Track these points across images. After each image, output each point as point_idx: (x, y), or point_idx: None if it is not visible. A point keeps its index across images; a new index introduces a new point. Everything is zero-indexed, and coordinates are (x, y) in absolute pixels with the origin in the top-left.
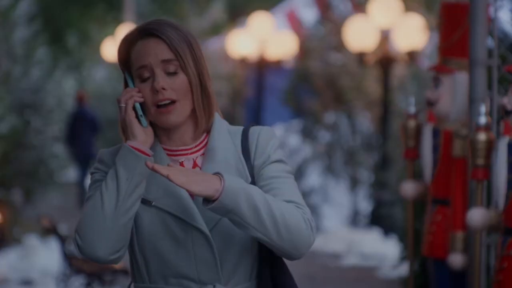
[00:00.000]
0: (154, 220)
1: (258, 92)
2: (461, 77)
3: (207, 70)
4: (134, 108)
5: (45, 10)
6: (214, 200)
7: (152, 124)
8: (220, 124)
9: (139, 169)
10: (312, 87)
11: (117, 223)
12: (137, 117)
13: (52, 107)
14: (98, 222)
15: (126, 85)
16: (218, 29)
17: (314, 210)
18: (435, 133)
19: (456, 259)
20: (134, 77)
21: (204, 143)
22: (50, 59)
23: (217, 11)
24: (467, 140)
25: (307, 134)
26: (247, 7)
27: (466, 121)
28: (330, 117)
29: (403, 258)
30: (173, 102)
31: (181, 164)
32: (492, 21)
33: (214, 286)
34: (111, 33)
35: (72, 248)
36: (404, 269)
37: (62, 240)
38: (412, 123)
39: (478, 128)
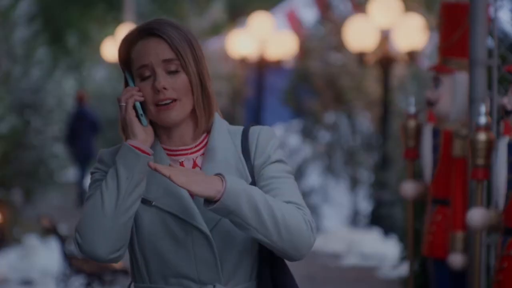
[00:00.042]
0: (154, 220)
1: (258, 92)
2: (461, 77)
3: (207, 70)
4: (134, 107)
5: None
6: (215, 201)
7: (152, 123)
8: (220, 124)
9: (139, 168)
10: (312, 87)
11: (117, 222)
12: (137, 116)
13: (52, 107)
14: (98, 221)
15: (126, 84)
16: (218, 29)
17: (314, 210)
18: (435, 133)
19: (456, 259)
20: (134, 76)
21: (204, 143)
22: (50, 59)
23: (217, 11)
24: (467, 140)
25: (307, 134)
26: (247, 7)
27: (466, 121)
28: (330, 117)
29: (403, 258)
30: (173, 100)
31: (181, 164)
32: (492, 21)
33: (214, 286)
34: (111, 33)
35: (72, 248)
36: (404, 269)
37: (62, 240)
38: (412, 123)
39: (478, 128)
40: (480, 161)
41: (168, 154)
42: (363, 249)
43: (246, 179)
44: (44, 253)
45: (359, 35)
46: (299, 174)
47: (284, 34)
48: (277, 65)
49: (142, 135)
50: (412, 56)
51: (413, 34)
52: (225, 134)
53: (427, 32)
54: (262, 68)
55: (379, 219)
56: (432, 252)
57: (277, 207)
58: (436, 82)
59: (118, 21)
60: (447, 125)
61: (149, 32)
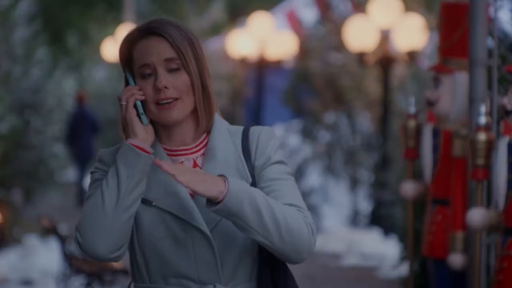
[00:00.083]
0: (155, 220)
1: (258, 92)
2: (461, 77)
3: (207, 70)
4: (135, 106)
5: (45, 10)
6: (217, 202)
7: (152, 123)
8: (220, 124)
9: (140, 167)
10: (312, 87)
11: (118, 221)
12: (138, 115)
13: (52, 107)
14: (98, 220)
15: (127, 84)
16: (218, 29)
17: (314, 210)
18: (435, 133)
19: (456, 259)
20: (135, 75)
21: (204, 143)
22: (50, 59)
23: (217, 11)
24: (467, 140)
25: (307, 134)
26: (247, 7)
27: (466, 121)
28: (330, 117)
29: (403, 258)
30: (175, 100)
31: (181, 164)
32: (492, 21)
33: (214, 286)
34: (111, 33)
35: (72, 248)
36: (404, 269)
37: (62, 240)
38: (412, 123)
39: (478, 128)
40: (480, 161)
41: (168, 154)
42: (363, 249)
43: (246, 179)
44: (44, 253)
45: (359, 35)
46: (299, 174)
47: (284, 34)
48: (277, 65)
49: (143, 134)
50: (412, 56)
51: (413, 34)
52: (225, 134)
53: (427, 32)
54: (262, 68)
55: (379, 219)
56: (432, 252)
57: (278, 209)
58: (436, 82)
59: (118, 21)
60: (447, 125)
61: (150, 31)
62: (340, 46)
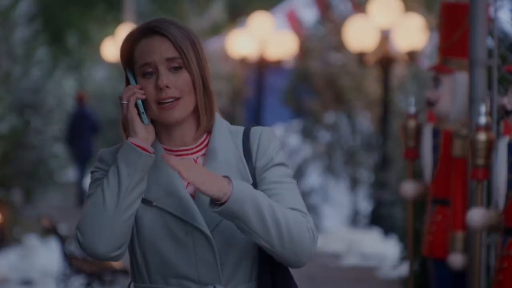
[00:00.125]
0: (155, 220)
1: (258, 92)
2: (461, 77)
3: (208, 70)
4: (136, 105)
5: (45, 10)
6: (220, 204)
7: (152, 123)
8: (221, 124)
9: (140, 166)
10: (312, 87)
11: (118, 220)
12: (138, 114)
13: (52, 107)
14: (99, 218)
15: (127, 83)
16: (218, 29)
17: (314, 210)
18: (435, 133)
19: (456, 259)
20: (136, 74)
21: (205, 143)
22: (50, 59)
23: (217, 11)
24: (467, 140)
25: (307, 134)
26: (247, 7)
27: (466, 121)
28: (330, 117)
29: (403, 258)
30: (176, 99)
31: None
32: (492, 21)
33: (214, 286)
34: (111, 33)
35: (72, 248)
36: (404, 269)
37: (62, 240)
38: (412, 123)
39: (478, 128)
40: (480, 161)
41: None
42: (363, 249)
43: (247, 180)
44: (44, 253)
45: (359, 35)
46: (299, 174)
47: (284, 34)
48: (277, 65)
49: (144, 133)
50: (412, 56)
51: (413, 34)
52: (226, 134)
53: (427, 32)
54: (262, 68)
55: (379, 219)
56: (432, 252)
57: (281, 214)
58: (436, 82)
59: (118, 21)
60: (447, 125)
61: (152, 31)
62: (340, 46)
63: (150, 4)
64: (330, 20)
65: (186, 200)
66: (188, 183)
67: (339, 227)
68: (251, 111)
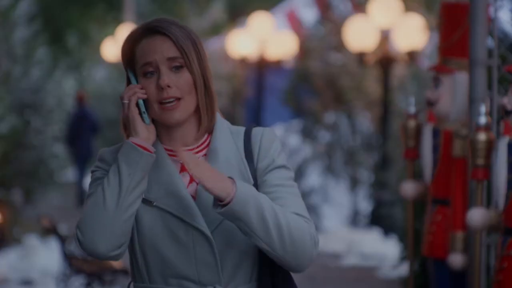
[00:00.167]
0: (155, 220)
1: (258, 92)
2: (461, 77)
3: (210, 70)
4: (137, 105)
5: (45, 10)
6: (223, 205)
7: (153, 123)
8: (222, 124)
9: (141, 165)
10: (312, 87)
11: (119, 219)
12: (140, 114)
13: (52, 107)
14: (99, 217)
15: (128, 83)
16: (218, 29)
17: (314, 210)
18: (435, 133)
19: (456, 259)
20: (137, 74)
21: (206, 143)
22: (50, 59)
23: (217, 11)
24: (467, 140)
25: (307, 134)
26: (247, 7)
27: (466, 121)
28: (330, 117)
29: (403, 258)
30: (177, 99)
31: (182, 165)
32: (492, 21)
33: (214, 287)
34: (111, 33)
35: (72, 248)
36: (404, 269)
37: (62, 240)
38: (412, 123)
39: (478, 128)
40: (480, 161)
41: (169, 155)
42: (363, 249)
43: (248, 181)
44: (44, 253)
45: (359, 35)
46: (299, 174)
47: (284, 34)
48: (277, 65)
49: (145, 133)
50: (412, 56)
51: (413, 34)
52: (227, 135)
53: (427, 32)
54: (262, 68)
55: (379, 219)
56: (432, 252)
57: (283, 218)
58: (436, 82)
59: (118, 21)
60: (447, 125)
61: (153, 30)
62: (340, 46)
63: (150, 4)
64: (330, 20)
65: (187, 200)
66: (189, 184)
67: (339, 227)
68: (251, 111)
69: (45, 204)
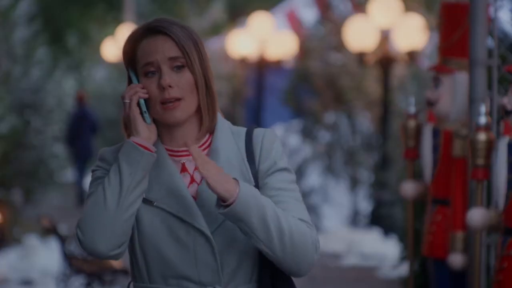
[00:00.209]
0: (156, 220)
1: (258, 92)
2: (461, 77)
3: (211, 70)
4: (138, 105)
5: (45, 10)
6: (226, 205)
7: (155, 123)
8: (223, 124)
9: (142, 165)
10: (312, 87)
11: (119, 218)
12: (141, 113)
13: (52, 107)
14: (100, 216)
15: (130, 83)
16: (218, 29)
17: (314, 210)
18: (435, 133)
19: (456, 259)
20: (139, 74)
21: (207, 143)
22: (50, 59)
23: (217, 11)
24: (467, 140)
25: (307, 134)
26: (247, 7)
27: (466, 121)
28: (330, 117)
29: (403, 258)
30: (178, 100)
31: (183, 165)
32: (492, 21)
33: (214, 287)
34: (111, 33)
35: (72, 248)
36: (404, 269)
37: (62, 240)
38: (412, 123)
39: (478, 128)
40: (480, 161)
41: (170, 155)
42: (363, 249)
43: (249, 182)
44: (44, 253)
45: (359, 35)
46: (299, 174)
47: (284, 34)
48: (277, 65)
49: (146, 132)
50: (412, 56)
51: (413, 34)
52: (228, 135)
53: (427, 32)
54: (262, 68)
55: (379, 219)
56: (432, 252)
57: (286, 222)
58: (436, 82)
59: (118, 21)
60: (447, 125)
61: (155, 30)
62: (340, 46)
63: (150, 4)
64: (330, 20)
65: (188, 200)
66: (190, 184)
67: (339, 227)
68: (251, 111)
69: (45, 204)
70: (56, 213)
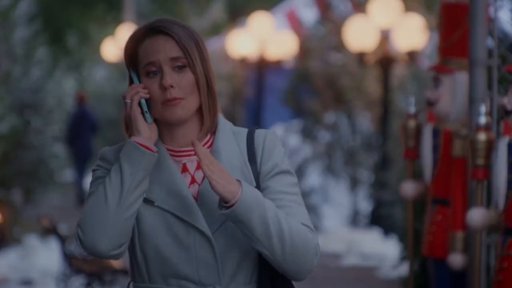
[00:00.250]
0: (156, 220)
1: (258, 92)
2: (461, 77)
3: (212, 70)
4: (139, 104)
5: (45, 10)
6: (228, 206)
7: (156, 123)
8: (224, 125)
9: (143, 165)
10: (312, 87)
11: (120, 218)
12: (142, 113)
13: (52, 107)
14: (101, 216)
15: (131, 82)
16: (218, 29)
17: (314, 210)
18: (435, 133)
19: (456, 259)
20: (140, 74)
21: (208, 144)
22: (50, 59)
23: (217, 11)
24: (467, 140)
25: (307, 134)
26: (247, 7)
27: (466, 121)
28: (330, 117)
29: (403, 258)
30: (179, 99)
31: (184, 165)
32: (492, 21)
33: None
34: (111, 33)
35: (72, 248)
36: (404, 269)
37: (62, 240)
38: (412, 123)
39: (478, 128)
40: (480, 161)
41: (171, 155)
42: (363, 249)
43: (250, 182)
44: (44, 253)
45: (359, 35)
46: (299, 174)
47: (284, 34)
48: (277, 65)
49: (147, 132)
50: (412, 56)
51: (413, 34)
52: (230, 136)
53: (427, 32)
54: (262, 68)
55: (379, 219)
56: (432, 252)
57: (287, 226)
58: (436, 82)
59: (118, 21)
60: (447, 125)
61: (156, 30)
62: (340, 46)
63: (150, 4)
64: (330, 20)
65: (188, 200)
66: (190, 184)
67: (339, 227)
68: (251, 111)
69: (45, 204)
70: (56, 213)
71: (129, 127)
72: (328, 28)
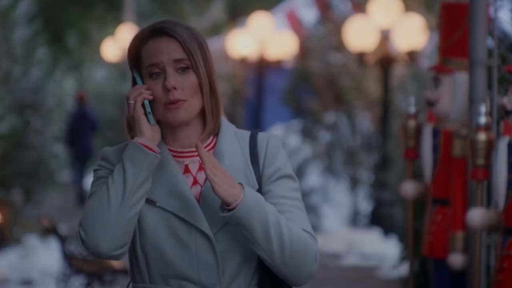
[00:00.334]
0: (158, 221)
1: (258, 92)
2: (461, 77)
3: (215, 72)
4: (142, 106)
5: (45, 10)
6: (229, 209)
7: (158, 124)
8: (227, 127)
9: (146, 165)
10: (312, 87)
11: (123, 218)
12: (145, 114)
13: (52, 107)
14: (103, 216)
15: (134, 83)
16: (218, 29)
17: (314, 210)
18: (435, 133)
19: (456, 259)
20: (143, 75)
21: (211, 145)
22: (50, 59)
23: (217, 11)
24: (467, 140)
25: (307, 134)
26: (247, 7)
27: (466, 121)
28: (330, 117)
29: (403, 258)
30: (182, 101)
31: (186, 166)
32: (492, 21)
33: None
34: (111, 33)
35: (72, 248)
36: (404, 269)
37: (62, 240)
38: (412, 123)
39: (478, 128)
40: (480, 161)
41: (173, 156)
42: (363, 249)
43: (252, 185)
44: (44, 253)
45: (359, 35)
46: (299, 174)
47: (284, 34)
48: (277, 65)
49: (150, 133)
50: (412, 56)
51: (413, 34)
52: (232, 138)
53: (427, 32)
54: (262, 68)
55: (379, 219)
56: (432, 252)
57: (287, 230)
58: (436, 82)
59: (118, 21)
60: (447, 125)
61: (160, 32)
62: (340, 46)
63: (150, 4)
64: (330, 20)
65: (190, 201)
66: (192, 185)
67: (339, 227)
68: (251, 111)
69: (45, 204)
70: (56, 213)
71: (132, 128)
72: (328, 28)
